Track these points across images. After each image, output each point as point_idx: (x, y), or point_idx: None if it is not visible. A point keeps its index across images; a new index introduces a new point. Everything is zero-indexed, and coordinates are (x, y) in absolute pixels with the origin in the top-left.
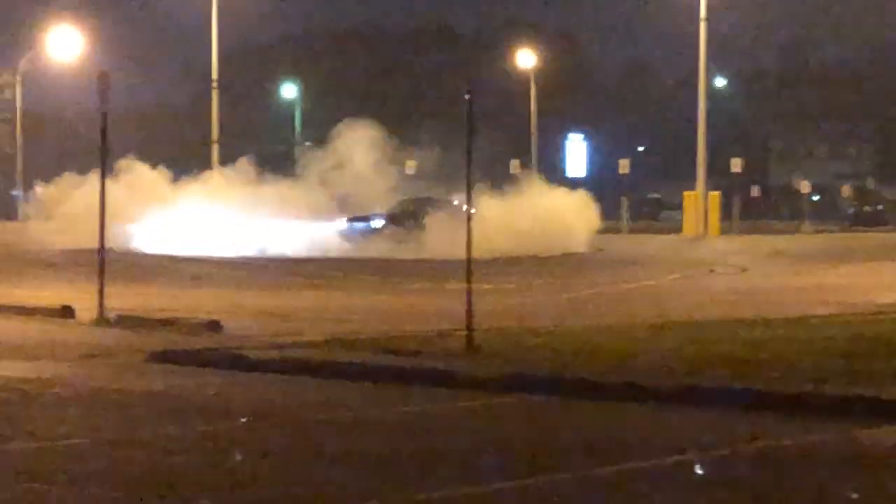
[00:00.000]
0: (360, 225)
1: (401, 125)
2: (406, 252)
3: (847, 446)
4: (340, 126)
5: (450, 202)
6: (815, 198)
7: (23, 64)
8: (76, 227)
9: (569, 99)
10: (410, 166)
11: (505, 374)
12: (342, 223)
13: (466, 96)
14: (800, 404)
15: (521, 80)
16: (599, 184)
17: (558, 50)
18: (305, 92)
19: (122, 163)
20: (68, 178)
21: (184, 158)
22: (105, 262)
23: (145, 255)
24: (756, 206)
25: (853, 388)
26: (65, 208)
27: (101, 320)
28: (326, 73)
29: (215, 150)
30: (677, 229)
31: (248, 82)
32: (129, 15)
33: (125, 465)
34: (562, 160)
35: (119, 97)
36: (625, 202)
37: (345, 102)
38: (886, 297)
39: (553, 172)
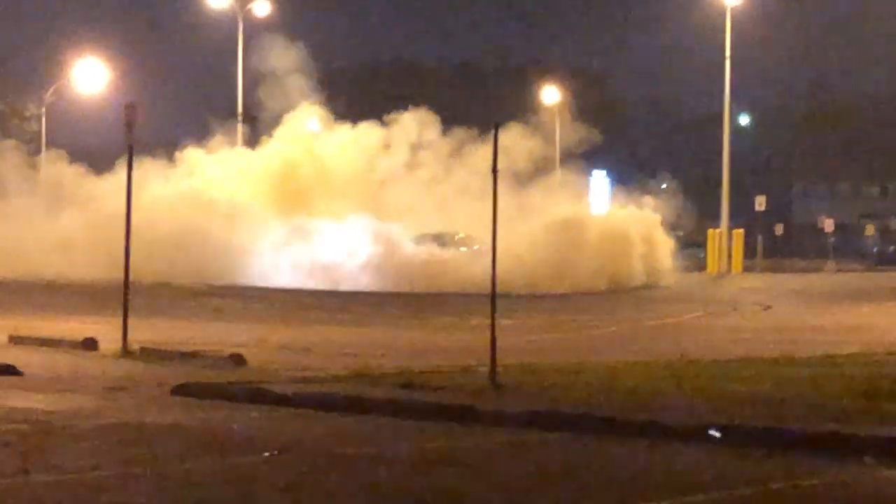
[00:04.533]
0: None
1: None
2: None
3: (870, 486)
4: None
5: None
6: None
7: (48, 96)
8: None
9: (593, 136)
10: None
11: (528, 410)
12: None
13: (493, 131)
14: (822, 444)
15: (546, 116)
16: None
17: (583, 87)
18: (327, 125)
19: None
20: None
21: None
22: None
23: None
24: (779, 244)
25: (876, 428)
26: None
27: (125, 352)
28: (348, 105)
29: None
30: (701, 267)
31: (273, 114)
32: (158, 48)
33: (149, 499)
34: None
35: (143, 129)
36: None
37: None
38: None
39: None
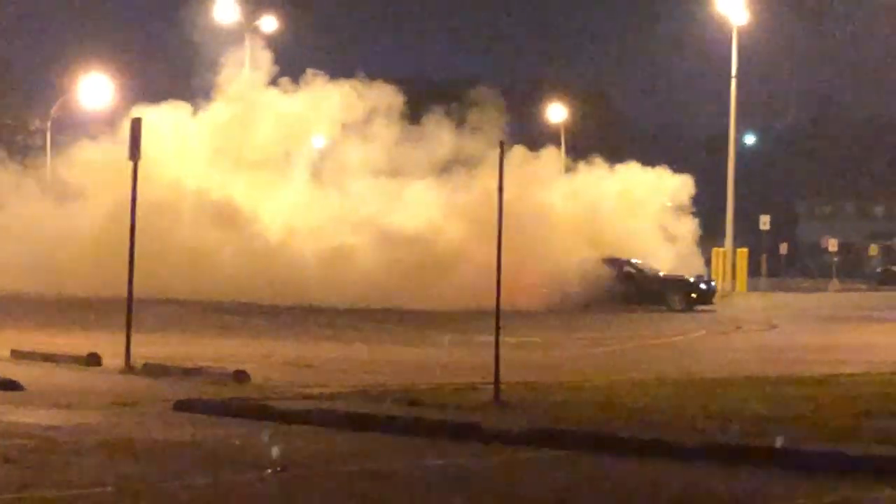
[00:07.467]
0: None
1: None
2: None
3: None
4: None
5: None
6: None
7: (53, 110)
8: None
9: (598, 154)
10: None
11: (531, 428)
12: None
13: (499, 148)
14: (826, 463)
15: (552, 134)
16: None
17: (588, 106)
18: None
19: None
20: None
21: None
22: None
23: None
24: (784, 264)
25: (880, 448)
26: None
27: (128, 368)
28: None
29: None
30: None
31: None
32: (164, 60)
33: None
34: None
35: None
36: None
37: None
38: None
39: None
